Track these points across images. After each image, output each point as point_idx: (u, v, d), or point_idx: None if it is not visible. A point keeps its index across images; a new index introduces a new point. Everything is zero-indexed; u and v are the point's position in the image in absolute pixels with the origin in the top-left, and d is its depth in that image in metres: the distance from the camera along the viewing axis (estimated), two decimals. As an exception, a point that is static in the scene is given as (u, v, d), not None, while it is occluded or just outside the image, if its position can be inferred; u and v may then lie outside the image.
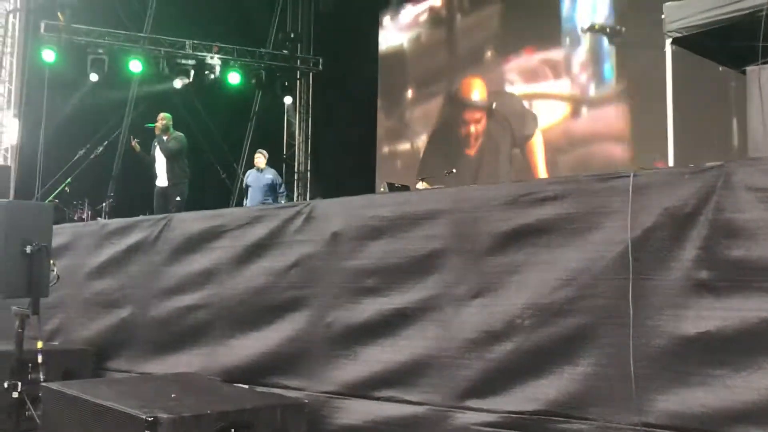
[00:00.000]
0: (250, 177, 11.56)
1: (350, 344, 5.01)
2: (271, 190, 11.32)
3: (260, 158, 11.51)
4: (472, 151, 13.99)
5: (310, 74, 17.85)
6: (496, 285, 4.44)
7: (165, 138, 10.33)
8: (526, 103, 13.32)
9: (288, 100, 17.34)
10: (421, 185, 11.11)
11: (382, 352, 4.85)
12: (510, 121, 13.41)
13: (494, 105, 13.69)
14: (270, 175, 11.40)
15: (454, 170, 11.63)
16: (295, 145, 17.89)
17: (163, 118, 10.45)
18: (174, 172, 10.27)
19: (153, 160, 10.54)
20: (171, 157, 10.30)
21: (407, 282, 4.82)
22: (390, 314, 4.86)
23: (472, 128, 14.03)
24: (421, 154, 15.02)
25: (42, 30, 14.73)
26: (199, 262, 6.09)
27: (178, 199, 10.08)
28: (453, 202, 4.75)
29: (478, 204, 4.61)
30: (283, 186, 11.56)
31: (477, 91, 14.19)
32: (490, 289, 4.46)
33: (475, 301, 4.51)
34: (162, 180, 10.37)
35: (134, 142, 10.66)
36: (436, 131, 14.89)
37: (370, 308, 4.96)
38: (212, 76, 15.96)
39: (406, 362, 4.71)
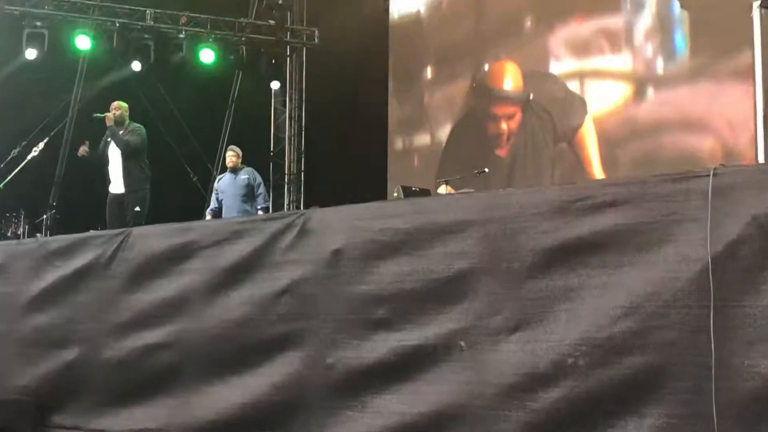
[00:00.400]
0: (222, 181, 11.71)
1: (357, 392, 5.00)
2: (250, 194, 11.38)
3: (232, 156, 11.65)
4: (503, 152, 14.03)
5: (303, 50, 17.94)
6: (541, 315, 4.43)
7: (120, 132, 10.37)
8: (573, 85, 13.32)
9: (276, 84, 17.40)
10: (443, 189, 11.11)
11: (398, 402, 4.84)
12: (551, 113, 13.43)
13: (531, 96, 13.72)
14: (245, 175, 11.48)
15: (486, 169, 11.63)
16: (284, 140, 17.96)
17: (118, 108, 10.51)
18: (132, 176, 10.31)
19: (105, 162, 10.57)
20: (128, 156, 10.33)
21: (428, 312, 4.82)
22: (407, 353, 4.85)
23: (504, 125, 14.10)
24: (444, 150, 15.05)
25: (-34, -1, 14.84)
26: (164, 288, 6.10)
27: (137, 209, 10.13)
28: (485, 210, 4.75)
29: (517, 213, 4.61)
30: (262, 186, 11.58)
31: (510, 78, 14.25)
32: (533, 320, 4.45)
33: (515, 335, 4.50)
34: (117, 185, 10.40)
35: (82, 149, 10.57)
36: (462, 120, 14.92)
37: (381, 346, 4.96)
38: (179, 54, 16.06)
39: (429, 414, 4.71)
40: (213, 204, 11.60)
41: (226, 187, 11.53)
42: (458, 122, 14.99)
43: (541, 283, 4.46)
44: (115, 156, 10.46)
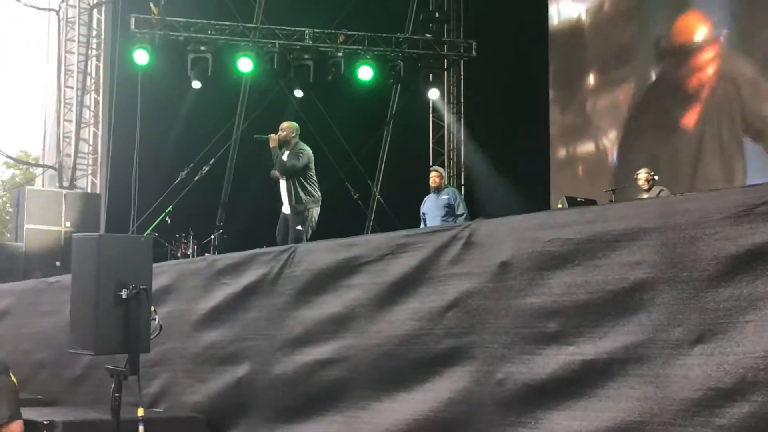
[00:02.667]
0: (427, 203, 11.86)
1: (529, 408, 4.91)
2: (450, 213, 11.45)
3: (435, 177, 11.78)
4: (690, 121, 13.39)
5: (461, 62, 17.93)
6: (725, 326, 4.24)
7: (285, 152, 10.47)
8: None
9: (434, 94, 17.42)
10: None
11: (572, 418, 4.72)
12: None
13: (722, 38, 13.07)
14: (446, 195, 11.61)
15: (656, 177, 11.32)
16: (444, 154, 17.96)
17: (284, 129, 10.57)
18: (294, 195, 10.41)
19: (276, 181, 10.74)
20: (290, 176, 10.46)
21: (603, 325, 4.68)
22: (581, 368, 4.73)
23: (695, 80, 13.41)
24: (612, 158, 14.71)
25: (132, 26, 15.47)
26: (331, 304, 6.16)
27: (298, 227, 10.21)
28: (662, 216, 4.59)
29: (697, 218, 4.42)
30: (462, 206, 11.60)
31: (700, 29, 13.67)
32: (717, 331, 4.26)
33: (697, 348, 4.31)
34: (284, 205, 10.55)
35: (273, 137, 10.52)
36: (629, 125, 14.54)
37: (553, 360, 4.84)
38: (338, 71, 16.29)
39: (605, 431, 4.56)
40: (422, 226, 11.71)
41: (428, 207, 11.69)
42: (626, 127, 14.59)
43: (724, 292, 4.26)
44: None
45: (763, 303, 4.13)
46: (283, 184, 10.51)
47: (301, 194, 10.37)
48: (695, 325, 4.34)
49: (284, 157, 10.35)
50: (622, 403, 4.55)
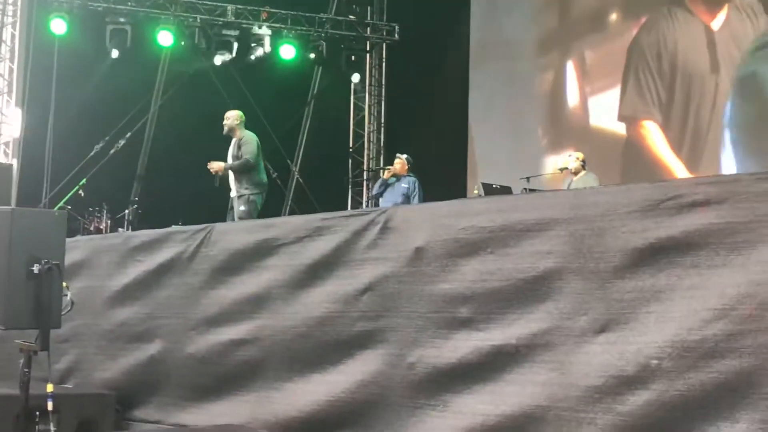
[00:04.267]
0: (386, 187, 11.90)
1: (439, 391, 5.00)
2: (406, 202, 11.48)
3: (398, 163, 11.87)
4: None
5: (384, 45, 17.97)
6: (629, 316, 4.38)
7: (233, 144, 10.37)
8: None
9: (356, 78, 17.44)
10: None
11: (480, 402, 4.82)
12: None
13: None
14: (406, 184, 11.68)
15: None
16: (364, 136, 18.01)
17: (229, 118, 10.48)
18: (239, 181, 10.29)
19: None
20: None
21: (512, 311, 4.80)
22: (490, 353, 4.84)
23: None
24: (530, 144, 14.91)
25: (50, -7, 15.15)
26: (246, 284, 6.18)
27: (242, 208, 10.10)
28: (572, 208, 4.71)
29: (606, 211, 4.56)
30: (417, 198, 11.63)
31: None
32: (621, 321, 4.40)
33: (601, 336, 4.45)
34: (233, 190, 10.41)
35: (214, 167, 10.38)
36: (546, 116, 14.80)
37: (464, 345, 4.95)
38: (260, 49, 16.20)
39: (512, 415, 4.68)
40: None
41: (387, 192, 11.76)
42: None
43: (629, 283, 4.41)
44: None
45: (666, 295, 4.27)
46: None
47: (245, 182, 10.29)
48: (600, 314, 4.47)
49: (232, 158, 10.25)
50: (528, 388, 4.66)
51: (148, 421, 6.59)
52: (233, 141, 10.37)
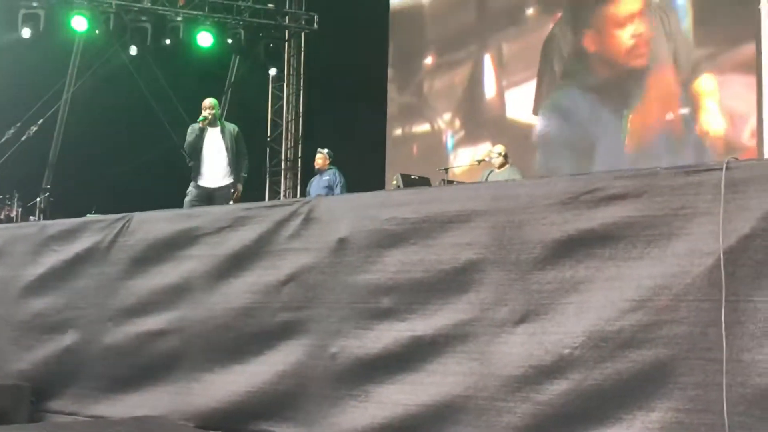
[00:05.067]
0: (312, 183, 12.20)
1: (360, 381, 5.02)
2: (330, 193, 11.55)
3: (318, 158, 12.10)
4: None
5: (302, 35, 17.93)
6: (548, 307, 4.45)
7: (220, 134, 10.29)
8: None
9: (273, 71, 17.39)
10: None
11: (401, 392, 4.85)
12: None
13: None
14: (327, 176, 11.76)
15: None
16: (282, 126, 17.94)
17: (212, 107, 10.40)
18: (236, 172, 10.20)
19: (195, 155, 10.38)
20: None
21: (433, 302, 4.84)
22: (411, 343, 4.86)
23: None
24: (446, 138, 15.04)
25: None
26: (166, 275, 6.10)
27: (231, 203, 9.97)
28: (493, 200, 4.77)
29: (526, 203, 4.63)
30: (339, 188, 11.73)
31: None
32: (540, 312, 4.47)
33: (521, 327, 4.51)
34: (213, 179, 10.26)
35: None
36: (463, 108, 14.92)
37: (385, 336, 4.97)
38: (176, 36, 16.02)
39: (433, 405, 4.72)
40: None
41: (313, 187, 12.02)
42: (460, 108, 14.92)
43: (549, 274, 4.47)
44: (212, 150, 10.28)
45: (584, 286, 4.35)
46: (214, 158, 10.18)
47: (244, 170, 10.23)
48: (520, 305, 4.53)
49: (226, 149, 10.11)
50: (449, 378, 4.69)
51: (64, 413, 6.47)
52: (217, 130, 10.24)
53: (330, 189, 11.69)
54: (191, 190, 10.11)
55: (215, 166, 10.09)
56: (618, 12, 13.14)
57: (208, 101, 10.42)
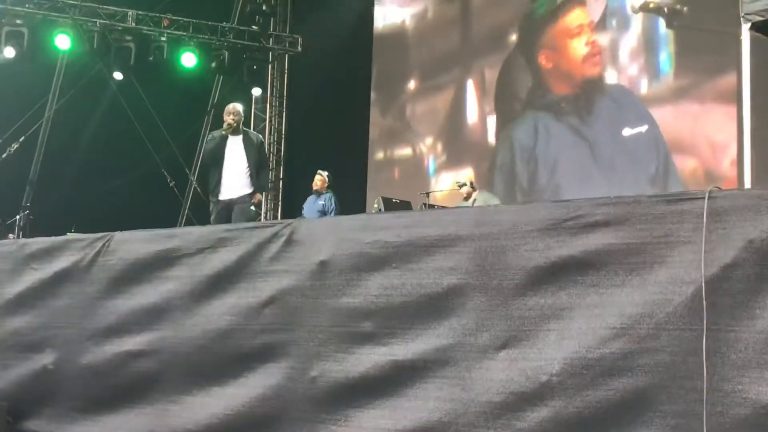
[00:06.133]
0: (307, 203, 11.92)
1: (340, 406, 4.99)
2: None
3: (317, 180, 11.86)
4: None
5: (286, 57, 17.93)
6: (529, 333, 4.44)
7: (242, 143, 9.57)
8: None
9: (257, 91, 17.38)
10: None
11: (381, 417, 4.83)
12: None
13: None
14: (322, 201, 11.69)
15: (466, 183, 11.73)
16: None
17: (238, 113, 9.55)
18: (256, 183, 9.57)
19: (216, 163, 9.57)
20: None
21: (415, 327, 4.82)
22: (392, 368, 4.84)
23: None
24: (427, 162, 15.07)
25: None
26: (146, 295, 6.06)
27: (252, 209, 9.63)
28: (476, 225, 4.76)
29: (508, 229, 4.62)
30: (332, 213, 11.47)
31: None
32: (521, 338, 4.46)
33: (502, 353, 4.50)
34: (233, 190, 9.46)
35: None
36: (445, 133, 14.96)
37: (366, 360, 4.94)
38: (160, 56, 16.00)
39: (413, 430, 4.69)
40: None
41: (307, 208, 11.79)
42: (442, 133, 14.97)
43: (530, 301, 4.46)
44: (233, 159, 9.47)
45: (566, 313, 4.34)
46: (236, 168, 9.47)
47: (258, 182, 9.57)
48: (501, 331, 4.52)
49: (246, 158, 9.41)
50: (429, 403, 4.67)
51: (40, 433, 6.42)
52: (239, 138, 9.48)
53: (323, 214, 11.50)
54: (212, 207, 9.67)
55: (235, 176, 9.44)
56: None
57: (232, 106, 9.61)
